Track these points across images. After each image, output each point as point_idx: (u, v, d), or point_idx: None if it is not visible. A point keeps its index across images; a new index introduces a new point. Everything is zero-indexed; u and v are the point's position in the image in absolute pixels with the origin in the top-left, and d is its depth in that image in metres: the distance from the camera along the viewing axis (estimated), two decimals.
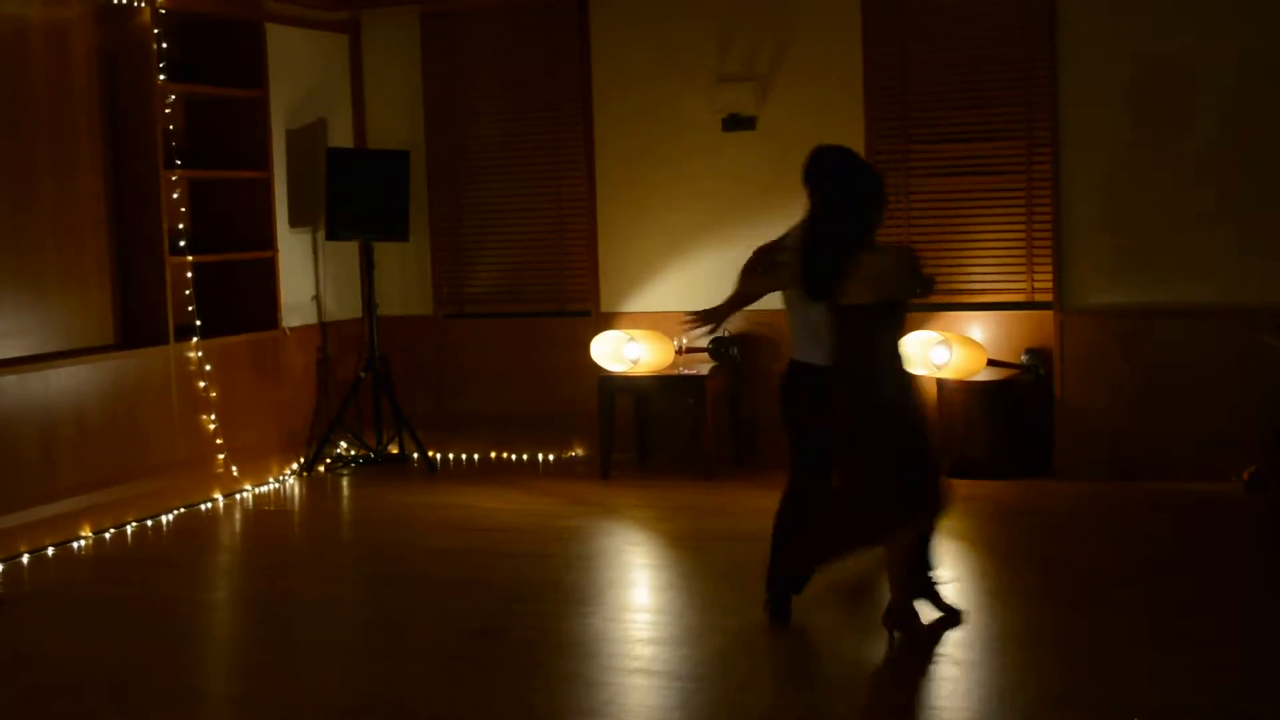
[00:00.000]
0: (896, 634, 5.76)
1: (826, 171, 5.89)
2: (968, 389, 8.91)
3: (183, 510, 8.73)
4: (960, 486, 8.61)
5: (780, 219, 9.43)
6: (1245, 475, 8.23)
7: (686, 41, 9.68)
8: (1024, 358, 8.95)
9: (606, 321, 9.93)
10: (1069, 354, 8.86)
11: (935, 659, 5.62)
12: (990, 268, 9.14)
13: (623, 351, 9.50)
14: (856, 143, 9.25)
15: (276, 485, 9.48)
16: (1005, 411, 8.82)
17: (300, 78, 10.00)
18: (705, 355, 9.53)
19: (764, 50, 9.51)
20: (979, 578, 6.86)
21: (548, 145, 10.12)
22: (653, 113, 9.81)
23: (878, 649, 5.75)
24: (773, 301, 9.47)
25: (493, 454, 10.20)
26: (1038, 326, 8.99)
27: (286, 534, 8.53)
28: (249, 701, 5.59)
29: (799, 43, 9.45)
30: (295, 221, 9.93)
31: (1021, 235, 9.05)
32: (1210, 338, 8.55)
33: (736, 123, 9.53)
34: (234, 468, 9.21)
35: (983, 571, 6.97)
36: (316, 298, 10.15)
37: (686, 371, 9.39)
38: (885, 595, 5.80)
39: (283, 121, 9.80)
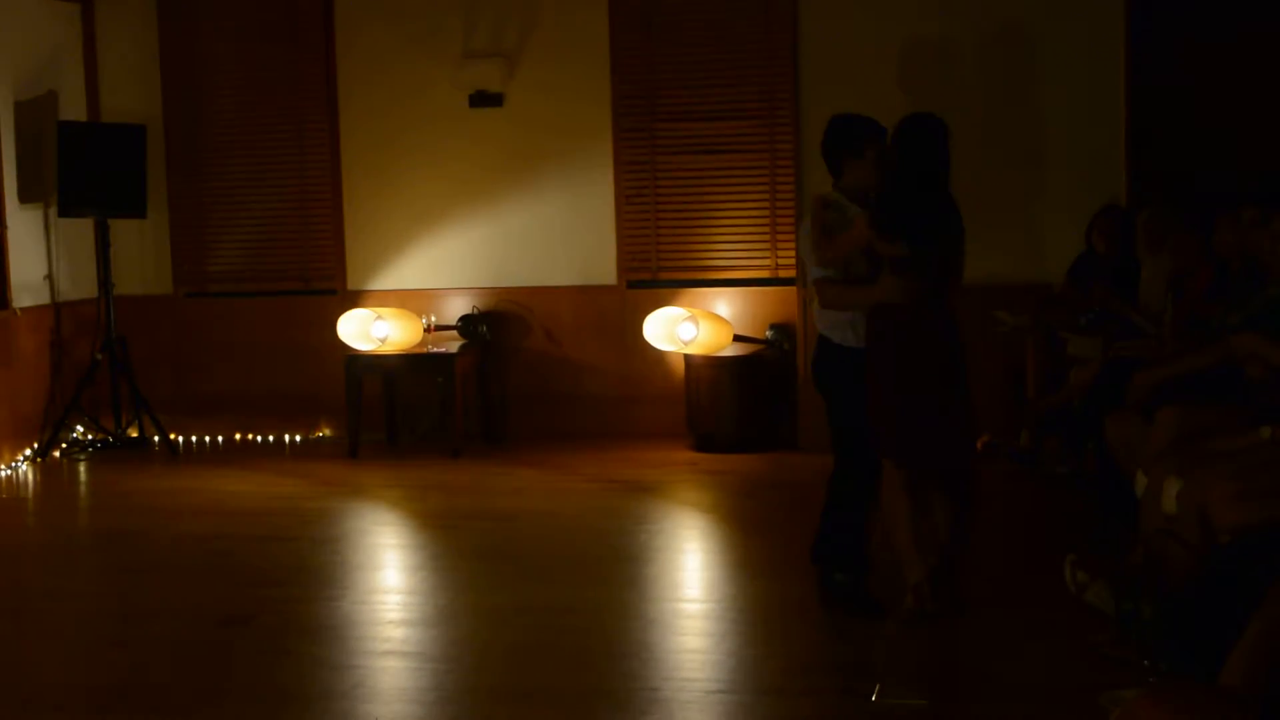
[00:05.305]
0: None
1: None
2: (714, 364, 9.05)
3: None
4: (707, 460, 8.80)
5: (526, 195, 9.56)
6: (979, 445, 8.51)
7: (433, 15, 9.59)
8: (769, 333, 9.12)
9: (353, 300, 9.80)
10: (812, 330, 9.01)
11: (692, 633, 5.71)
12: (735, 245, 9.31)
13: (370, 330, 9.39)
14: (603, 120, 9.35)
15: (8, 472, 9.13)
16: (751, 386, 8.98)
17: (29, 47, 9.62)
18: (454, 333, 9.49)
19: (511, 27, 9.49)
20: (726, 549, 7.01)
21: (291, 119, 9.91)
22: (398, 87, 9.70)
23: (632, 624, 5.81)
24: (523, 279, 9.60)
25: (237, 436, 10.00)
26: (782, 302, 9.18)
27: (19, 522, 8.23)
28: None
29: (547, 21, 9.46)
30: (25, 197, 9.55)
31: (766, 213, 9.22)
32: None
33: (484, 99, 9.49)
34: None
35: (730, 543, 7.12)
36: (49, 277, 9.78)
37: (435, 349, 9.33)
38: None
39: (10, 92, 9.42)
